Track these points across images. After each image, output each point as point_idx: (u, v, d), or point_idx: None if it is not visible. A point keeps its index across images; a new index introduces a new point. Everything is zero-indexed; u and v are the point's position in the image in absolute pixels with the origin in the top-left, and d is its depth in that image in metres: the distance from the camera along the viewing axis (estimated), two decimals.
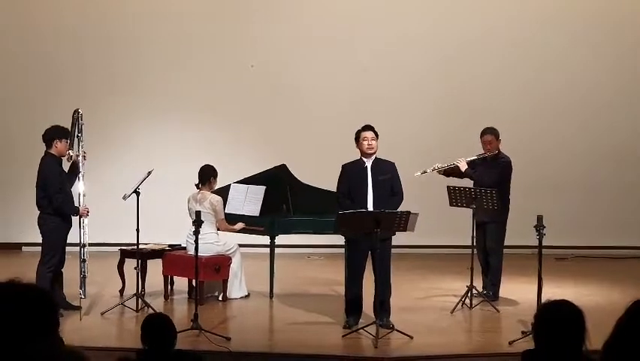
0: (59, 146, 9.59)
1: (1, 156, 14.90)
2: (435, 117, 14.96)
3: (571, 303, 4.05)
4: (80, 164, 9.67)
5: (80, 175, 9.68)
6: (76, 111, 9.74)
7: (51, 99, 14.48)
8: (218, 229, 10.63)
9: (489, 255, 10.57)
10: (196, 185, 10.65)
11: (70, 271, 9.84)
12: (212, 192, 10.65)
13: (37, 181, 9.63)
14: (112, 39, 14.98)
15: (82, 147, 9.69)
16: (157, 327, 5.53)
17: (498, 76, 15.04)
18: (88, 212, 9.63)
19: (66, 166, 9.80)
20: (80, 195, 9.65)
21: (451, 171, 10.69)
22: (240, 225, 10.79)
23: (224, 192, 11.00)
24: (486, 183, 10.28)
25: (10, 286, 2.54)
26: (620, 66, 15.15)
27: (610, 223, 15.01)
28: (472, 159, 10.62)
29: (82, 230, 9.58)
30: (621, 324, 2.80)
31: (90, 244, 9.79)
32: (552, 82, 15.05)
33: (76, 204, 9.64)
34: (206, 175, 10.62)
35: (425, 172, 10.59)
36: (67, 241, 9.75)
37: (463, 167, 10.55)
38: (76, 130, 9.67)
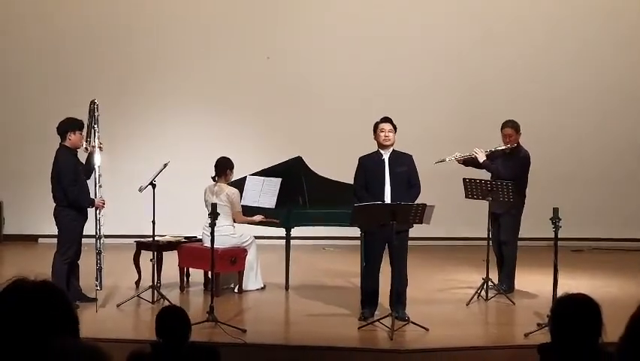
0: (73, 138, 9.59)
1: (16, 147, 14.93)
2: (452, 110, 14.94)
3: (587, 296, 4.04)
4: (96, 155, 9.69)
5: (96, 167, 9.70)
6: (92, 102, 9.76)
7: (67, 90, 14.50)
8: (234, 221, 10.63)
9: (503, 247, 10.54)
10: (212, 177, 10.66)
11: (86, 263, 9.85)
12: (228, 184, 10.65)
13: (52, 174, 9.64)
14: (131, 31, 15.01)
15: (98, 139, 9.71)
16: (172, 320, 5.53)
17: (517, 69, 14.99)
18: (104, 204, 9.65)
19: (83, 158, 9.82)
20: (96, 187, 9.66)
21: (470, 161, 10.66)
22: (259, 217, 10.78)
23: (240, 185, 11.00)
24: (503, 176, 10.24)
25: (22, 283, 2.54)
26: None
27: (627, 216, 14.97)
28: (491, 151, 10.58)
29: (98, 222, 9.60)
30: (636, 318, 2.78)
31: (106, 236, 9.81)
32: (573, 76, 15.00)
33: (92, 196, 9.66)
34: (223, 167, 10.62)
35: (444, 160, 10.56)
36: (84, 233, 9.77)
37: (481, 158, 10.51)
38: (93, 121, 9.69)
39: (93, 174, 9.71)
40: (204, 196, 10.62)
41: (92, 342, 2.37)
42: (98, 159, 9.70)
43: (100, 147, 9.71)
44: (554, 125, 14.90)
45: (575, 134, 15.02)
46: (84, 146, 9.69)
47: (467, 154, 10.60)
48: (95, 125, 9.70)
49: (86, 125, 9.69)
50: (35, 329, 2.39)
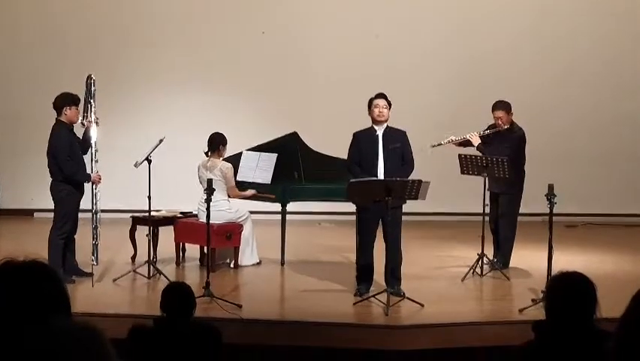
0: (69, 113, 9.59)
1: (11, 122, 14.90)
2: (449, 86, 14.90)
3: (582, 274, 4.05)
4: (93, 130, 9.69)
5: (93, 142, 9.70)
6: (89, 77, 9.76)
7: (61, 65, 14.47)
8: (228, 196, 10.65)
9: (501, 226, 10.57)
10: (205, 153, 10.66)
11: (82, 238, 9.88)
12: (223, 160, 10.65)
13: (48, 149, 9.64)
14: (125, 4, 14.95)
15: (94, 113, 9.71)
16: (178, 296, 5.54)
17: (514, 45, 14.96)
18: (100, 179, 9.66)
19: (80, 132, 9.82)
20: (92, 161, 9.67)
21: (466, 144, 10.66)
22: (250, 191, 10.81)
23: (235, 160, 11.00)
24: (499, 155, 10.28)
25: (11, 264, 2.54)
26: (636, 39, 15.10)
27: (621, 191, 14.99)
28: (485, 133, 10.57)
29: (94, 197, 9.62)
30: (637, 300, 2.78)
31: (102, 211, 9.82)
32: (568, 52, 14.99)
33: (88, 171, 9.67)
34: (216, 143, 10.62)
35: (440, 144, 10.56)
36: (80, 208, 9.78)
37: (476, 142, 10.51)
38: (89, 96, 9.69)
39: (90, 149, 9.72)
40: (198, 172, 10.63)
41: (83, 319, 2.38)
42: (94, 133, 9.70)
43: (96, 122, 9.71)
44: (548, 101, 14.88)
45: (570, 110, 14.99)
46: (80, 120, 9.68)
47: (461, 137, 10.60)
48: (92, 100, 9.69)
49: (82, 100, 9.68)
50: (26, 309, 2.40)
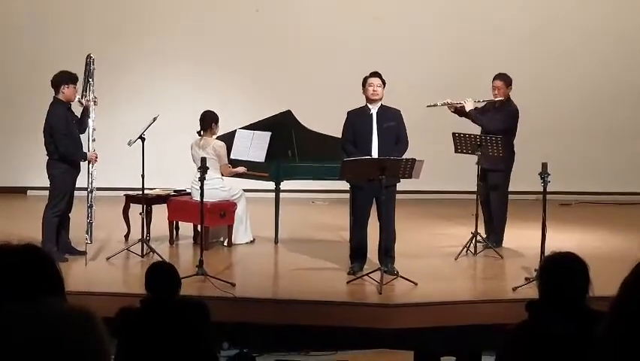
0: (66, 91, 9.57)
1: (3, 99, 14.85)
2: (443, 64, 14.83)
3: (574, 255, 4.07)
4: (91, 109, 9.69)
5: (90, 121, 9.69)
6: (88, 56, 9.75)
7: (55, 42, 14.43)
8: (221, 174, 10.63)
9: (492, 203, 10.58)
10: (198, 132, 10.64)
11: (75, 216, 9.86)
12: (217, 138, 10.64)
13: (44, 127, 9.63)
14: None
15: (93, 92, 9.70)
16: (161, 275, 5.56)
17: (508, 20, 14.90)
18: (97, 157, 9.65)
19: (78, 111, 9.80)
20: (89, 140, 9.66)
21: (461, 110, 10.63)
22: (241, 168, 10.80)
23: (229, 138, 11.00)
24: (490, 128, 10.28)
25: (4, 248, 2.53)
26: (632, 11, 15.05)
27: (615, 170, 14.98)
28: (481, 103, 10.58)
29: (90, 175, 9.61)
30: (627, 284, 2.79)
31: (96, 189, 9.81)
32: (562, 27, 14.94)
33: (85, 149, 9.66)
34: (208, 121, 10.59)
35: (436, 105, 10.54)
36: (76, 186, 9.78)
37: (468, 107, 10.50)
38: (88, 75, 9.68)
39: (87, 129, 9.71)
40: (191, 151, 10.60)
41: (78, 303, 2.37)
42: (92, 113, 9.69)
43: (94, 101, 9.71)
44: (545, 75, 14.83)
45: (563, 86, 14.96)
46: (77, 99, 9.67)
47: (457, 102, 10.59)
48: (91, 80, 9.69)
49: (81, 79, 9.67)
50: (20, 293, 2.39)
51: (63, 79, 9.58)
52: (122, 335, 5.26)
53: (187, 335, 5.30)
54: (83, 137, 9.73)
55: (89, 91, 9.69)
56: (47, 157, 9.63)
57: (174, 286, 5.53)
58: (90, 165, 9.62)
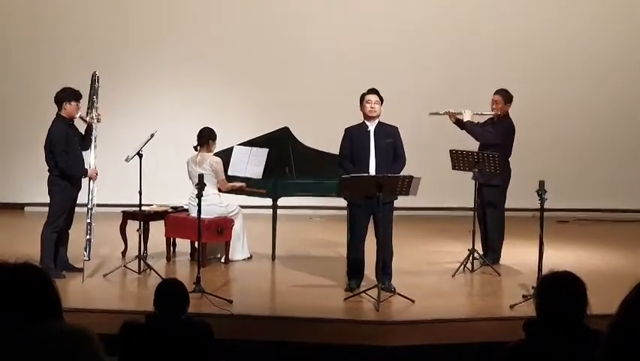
0: (69, 108, 9.60)
1: (2, 115, 14.85)
2: (441, 76, 14.81)
3: (572, 274, 4.05)
4: (94, 127, 9.71)
5: (93, 137, 9.72)
6: (94, 74, 9.82)
7: (55, 57, 14.47)
8: (219, 190, 10.63)
9: (488, 219, 10.57)
10: (194, 147, 10.65)
11: (73, 233, 9.85)
12: (214, 154, 10.65)
13: (45, 142, 9.64)
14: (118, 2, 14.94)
15: (96, 110, 9.73)
16: (172, 293, 5.53)
17: (505, 32, 14.92)
18: (97, 174, 9.67)
19: (82, 128, 9.84)
20: (91, 157, 9.68)
21: (460, 121, 10.63)
22: (239, 183, 10.81)
23: (227, 155, 11.01)
24: (481, 140, 10.37)
25: (1, 267, 2.52)
26: (630, 25, 15.07)
27: (613, 186, 14.97)
28: (479, 116, 10.62)
29: (90, 192, 9.61)
30: (630, 301, 2.77)
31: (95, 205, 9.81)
32: (560, 39, 14.96)
33: (86, 166, 9.67)
34: (205, 138, 10.61)
35: (438, 113, 10.58)
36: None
37: (466, 117, 10.54)
38: (93, 93, 9.72)
39: (90, 146, 9.74)
40: (187, 167, 10.61)
41: (75, 323, 2.37)
42: (94, 130, 9.73)
43: (98, 119, 9.73)
44: (543, 90, 14.81)
45: (562, 102, 14.96)
46: (79, 115, 9.69)
47: (458, 112, 10.61)
48: (95, 97, 9.72)
49: (86, 97, 9.72)
50: (16, 312, 2.39)
51: (66, 95, 9.62)
52: (124, 351, 5.24)
53: (192, 353, 5.28)
54: (85, 153, 9.74)
55: (93, 108, 9.73)
56: (48, 173, 9.64)
57: (184, 305, 5.51)
58: (91, 182, 9.63)
